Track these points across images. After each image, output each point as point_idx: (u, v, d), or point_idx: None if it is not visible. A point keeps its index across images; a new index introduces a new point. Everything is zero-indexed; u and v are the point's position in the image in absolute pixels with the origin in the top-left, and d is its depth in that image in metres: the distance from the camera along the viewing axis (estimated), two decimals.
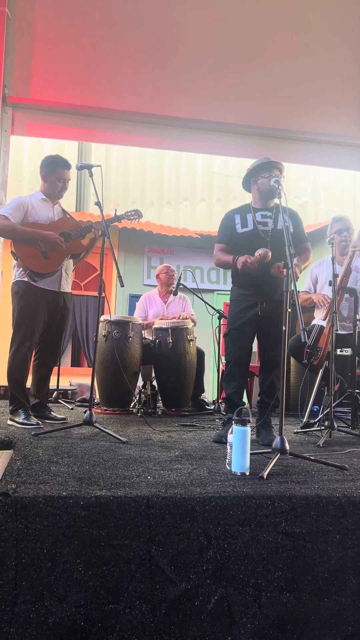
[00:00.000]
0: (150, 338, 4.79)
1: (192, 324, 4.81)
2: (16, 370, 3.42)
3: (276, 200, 3.30)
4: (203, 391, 5.14)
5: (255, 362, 4.50)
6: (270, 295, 3.19)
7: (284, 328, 2.51)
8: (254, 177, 3.35)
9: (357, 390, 3.72)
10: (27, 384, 3.52)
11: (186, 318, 4.89)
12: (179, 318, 4.89)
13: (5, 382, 3.58)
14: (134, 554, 1.68)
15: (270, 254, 3.09)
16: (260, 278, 3.18)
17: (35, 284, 3.44)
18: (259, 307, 3.21)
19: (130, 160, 8.91)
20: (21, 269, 3.46)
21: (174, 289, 4.91)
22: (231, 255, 3.27)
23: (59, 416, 3.67)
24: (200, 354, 4.90)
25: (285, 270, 2.88)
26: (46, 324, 3.55)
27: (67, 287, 3.66)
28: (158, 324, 4.76)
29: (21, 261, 3.42)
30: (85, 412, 3.05)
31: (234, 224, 3.34)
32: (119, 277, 3.12)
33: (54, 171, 3.60)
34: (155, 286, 5.52)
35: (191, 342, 4.67)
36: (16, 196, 3.69)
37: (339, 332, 3.62)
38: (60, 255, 3.51)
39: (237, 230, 3.32)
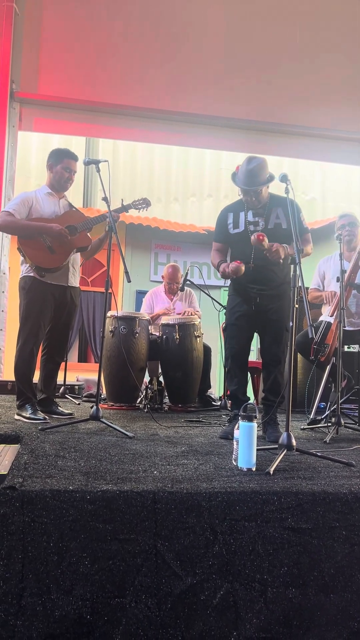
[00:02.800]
0: (157, 334, 4.79)
1: (199, 320, 4.80)
2: (23, 365, 3.43)
3: (271, 191, 3.27)
4: (209, 387, 5.14)
5: (259, 358, 4.49)
6: (262, 290, 3.19)
7: (291, 324, 2.50)
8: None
9: None
10: (34, 379, 3.53)
11: (192, 314, 4.89)
12: (184, 314, 4.89)
13: (13, 377, 3.59)
14: (140, 548, 1.68)
15: (243, 268, 3.09)
16: (250, 277, 3.19)
17: (42, 279, 3.44)
18: (253, 302, 3.21)
19: (138, 156, 8.91)
20: (27, 265, 3.47)
21: (180, 285, 4.91)
22: (219, 259, 3.30)
23: (66, 411, 3.68)
24: (206, 350, 4.90)
25: (264, 238, 2.90)
26: (53, 319, 3.55)
27: (74, 281, 3.65)
28: (165, 319, 4.76)
29: (27, 257, 3.43)
30: (92, 407, 3.06)
31: (227, 223, 3.33)
32: (126, 272, 3.12)
33: (61, 160, 3.59)
34: (161, 282, 5.52)
35: (198, 338, 4.66)
36: (22, 191, 3.69)
37: (347, 328, 3.60)
38: (66, 249, 3.49)
39: (229, 231, 3.31)
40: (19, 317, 3.51)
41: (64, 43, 5.60)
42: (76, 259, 3.66)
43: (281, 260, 3.06)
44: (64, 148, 3.73)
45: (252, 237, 3.01)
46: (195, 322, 4.69)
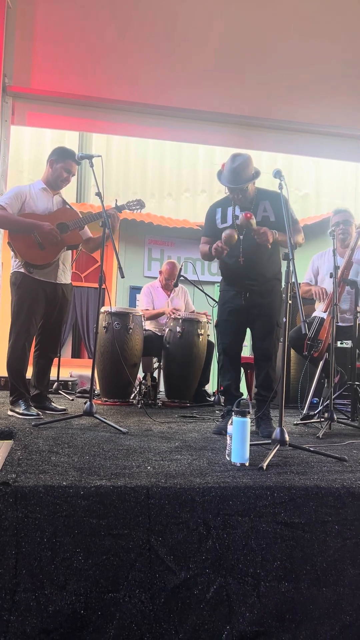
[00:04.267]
0: (156, 330, 4.81)
1: (206, 319, 4.82)
2: (15, 361, 3.42)
3: (260, 185, 3.27)
4: (207, 382, 5.17)
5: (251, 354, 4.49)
6: (251, 284, 3.19)
7: (284, 320, 2.50)
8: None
9: (357, 383, 3.72)
10: (27, 374, 3.52)
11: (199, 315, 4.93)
12: (192, 313, 4.95)
13: (5, 373, 3.59)
14: (134, 543, 1.68)
15: (236, 234, 3.08)
16: (239, 268, 3.20)
17: (30, 275, 3.44)
18: (242, 297, 3.21)
19: (131, 151, 8.87)
20: (17, 260, 3.45)
21: (175, 282, 4.93)
22: (208, 247, 3.28)
23: (60, 407, 3.68)
24: (210, 346, 4.91)
25: (252, 217, 2.91)
26: (45, 315, 3.54)
27: (64, 278, 3.64)
28: (178, 315, 4.75)
29: (16, 252, 3.41)
30: (85, 403, 3.06)
31: (215, 218, 3.34)
32: (120, 268, 3.11)
33: (64, 160, 3.57)
34: (155, 278, 5.51)
35: (201, 336, 4.68)
36: (16, 185, 3.67)
37: (340, 324, 3.62)
38: (56, 246, 3.48)
39: (217, 225, 3.31)
40: (10, 313, 3.50)
41: (57, 37, 5.56)
42: (67, 256, 3.65)
43: (269, 245, 3.05)
44: (70, 149, 3.70)
45: (240, 216, 3.01)
46: (202, 321, 4.71)
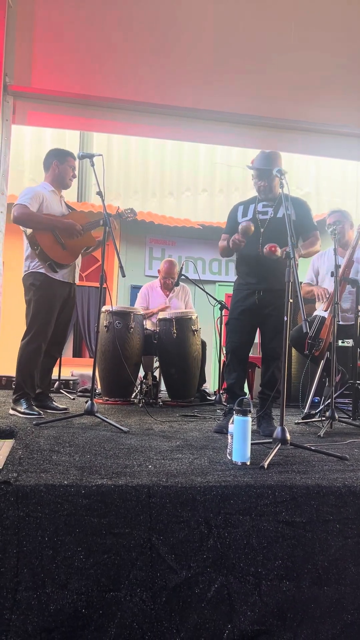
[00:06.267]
0: (152, 329, 4.79)
1: (196, 315, 4.81)
2: (28, 361, 3.42)
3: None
4: (205, 382, 5.15)
5: (257, 354, 4.49)
6: (267, 283, 3.19)
7: (285, 319, 2.50)
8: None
9: (358, 381, 3.72)
10: (36, 376, 3.52)
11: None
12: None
13: (6, 372, 3.59)
14: (135, 542, 1.68)
15: (252, 226, 3.12)
16: (257, 266, 3.20)
17: (52, 275, 3.46)
18: (256, 296, 3.21)
19: (132, 150, 8.87)
20: (37, 259, 3.45)
21: (175, 281, 4.92)
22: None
23: (61, 406, 3.68)
24: (202, 345, 4.90)
25: (277, 249, 2.90)
26: (56, 316, 3.56)
27: (77, 279, 3.72)
28: (162, 315, 4.76)
29: (43, 251, 3.42)
30: (86, 402, 3.06)
31: (237, 215, 3.39)
32: (121, 267, 3.12)
33: (66, 159, 3.65)
34: (156, 277, 5.51)
35: (195, 332, 4.66)
36: (26, 187, 3.70)
37: (341, 323, 3.61)
38: (76, 246, 3.56)
39: (238, 220, 3.34)
40: (25, 312, 3.49)
41: (57, 36, 5.55)
42: (79, 258, 3.69)
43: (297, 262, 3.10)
44: (64, 148, 3.78)
45: (265, 249, 3.02)
46: (192, 317, 4.69)
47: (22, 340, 3.45)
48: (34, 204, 3.44)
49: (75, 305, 3.84)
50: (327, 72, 5.94)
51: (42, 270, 3.45)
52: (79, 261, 3.72)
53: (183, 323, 4.62)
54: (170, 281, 5.13)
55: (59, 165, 3.62)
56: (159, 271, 5.30)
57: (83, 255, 3.81)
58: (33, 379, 3.47)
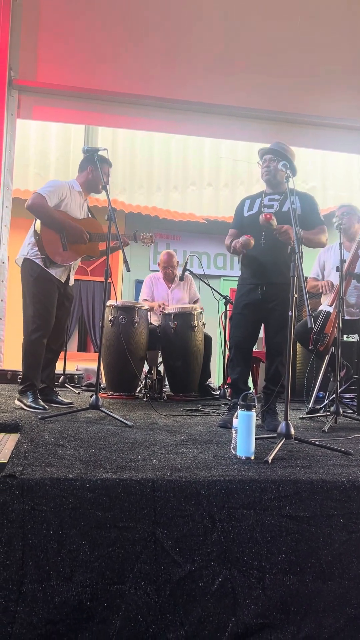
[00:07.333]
0: (156, 324, 4.80)
1: (200, 310, 4.80)
2: (32, 351, 3.43)
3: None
4: (209, 376, 5.15)
5: (261, 348, 4.49)
6: (270, 277, 3.18)
7: (290, 314, 2.50)
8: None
9: None
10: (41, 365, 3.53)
11: (194, 303, 4.91)
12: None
13: (11, 366, 3.60)
14: (139, 535, 1.69)
15: (252, 241, 3.14)
16: (260, 260, 3.20)
17: (46, 269, 3.46)
18: (260, 290, 3.20)
19: (137, 144, 8.84)
20: (36, 248, 3.46)
21: (179, 274, 4.92)
22: (230, 241, 3.34)
23: (66, 400, 3.69)
24: (207, 340, 4.90)
25: (272, 217, 2.95)
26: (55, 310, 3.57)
27: (72, 281, 3.73)
28: (167, 309, 4.76)
29: (41, 243, 3.42)
30: (91, 396, 3.07)
31: (243, 209, 3.39)
32: (125, 262, 3.11)
33: (103, 166, 3.51)
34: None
35: (196, 328, 4.66)
36: (54, 180, 3.68)
37: (346, 318, 3.60)
38: (78, 252, 3.56)
39: (244, 214, 3.35)
40: (22, 300, 3.50)
41: (62, 30, 5.54)
42: (77, 261, 3.70)
43: (292, 242, 3.06)
44: (102, 154, 3.56)
45: (260, 217, 3.04)
46: (194, 312, 4.68)
47: (24, 332, 3.46)
48: (52, 198, 3.43)
49: (80, 299, 3.85)
50: (333, 67, 5.92)
51: (38, 261, 3.45)
52: (76, 265, 3.71)
53: (183, 318, 4.62)
54: (170, 270, 5.14)
55: (94, 172, 3.57)
56: (158, 264, 5.32)
57: (83, 260, 3.82)
58: (38, 369, 3.48)
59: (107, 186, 3.27)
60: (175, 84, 5.72)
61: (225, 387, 4.84)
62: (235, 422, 2.24)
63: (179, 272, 5.05)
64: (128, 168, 8.73)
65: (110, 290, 3.25)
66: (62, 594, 1.60)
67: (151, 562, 1.68)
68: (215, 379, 6.55)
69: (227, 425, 3.01)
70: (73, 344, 8.16)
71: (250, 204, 3.37)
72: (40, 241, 3.41)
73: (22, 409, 3.31)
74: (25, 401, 3.36)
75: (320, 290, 4.03)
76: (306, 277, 4.22)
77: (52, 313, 3.49)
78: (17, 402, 3.42)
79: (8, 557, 1.61)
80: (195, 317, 4.66)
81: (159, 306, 4.89)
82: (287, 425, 2.35)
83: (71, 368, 5.63)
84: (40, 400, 3.43)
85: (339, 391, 3.38)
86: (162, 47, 5.70)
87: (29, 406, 3.31)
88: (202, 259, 8.35)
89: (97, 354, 3.22)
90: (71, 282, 3.71)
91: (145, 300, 5.12)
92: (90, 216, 3.74)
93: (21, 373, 3.52)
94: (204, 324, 4.81)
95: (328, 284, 3.96)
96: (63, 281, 3.59)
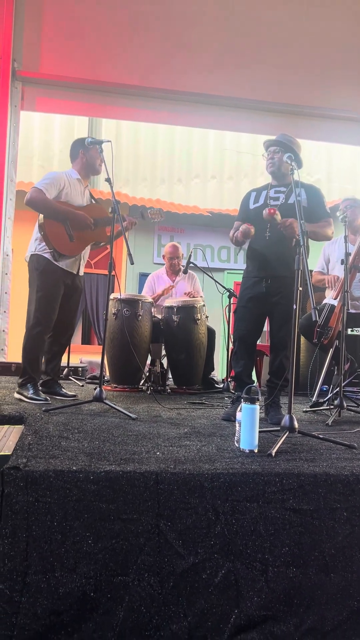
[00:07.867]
0: (160, 316, 4.79)
1: (202, 303, 4.79)
2: (32, 345, 3.43)
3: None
4: (213, 369, 5.15)
5: (265, 342, 4.48)
6: (274, 271, 3.16)
7: (294, 307, 2.49)
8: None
9: None
10: (41, 360, 3.53)
11: (194, 296, 4.90)
12: (188, 294, 4.90)
13: (15, 359, 3.60)
14: (143, 527, 1.70)
15: (253, 230, 3.13)
16: (265, 253, 3.19)
17: (56, 263, 3.45)
18: (264, 283, 3.19)
19: (141, 136, 8.81)
20: (44, 243, 3.45)
21: (183, 267, 4.90)
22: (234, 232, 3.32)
23: (70, 393, 3.70)
24: (210, 333, 4.90)
25: (276, 212, 2.95)
26: (62, 303, 3.56)
27: (82, 271, 3.71)
28: (167, 302, 4.75)
29: (47, 238, 3.41)
30: (95, 389, 3.07)
31: (249, 201, 3.37)
32: (129, 255, 3.11)
33: (93, 146, 3.52)
34: (164, 264, 5.51)
35: (199, 321, 4.65)
36: (51, 172, 3.66)
37: (350, 311, 3.59)
38: (85, 240, 3.54)
39: (249, 206, 3.33)
40: (28, 294, 3.50)
41: (66, 21, 5.51)
42: (87, 250, 3.68)
43: (297, 236, 3.04)
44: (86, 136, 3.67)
45: (264, 212, 3.03)
46: (197, 305, 4.67)
47: (26, 325, 3.47)
48: (51, 190, 3.41)
49: (84, 292, 3.84)
50: (338, 58, 5.87)
51: (47, 255, 3.45)
52: (86, 254, 3.70)
53: (186, 311, 4.61)
54: (176, 261, 5.13)
55: (86, 153, 3.57)
56: (163, 256, 5.31)
57: (92, 249, 3.79)
58: (38, 363, 3.49)
59: (111, 178, 3.24)
60: (179, 75, 5.68)
61: (229, 380, 4.84)
62: (238, 415, 2.24)
63: (183, 264, 5.04)
64: (132, 160, 8.71)
65: (114, 283, 3.24)
66: (66, 585, 1.61)
67: (155, 554, 1.69)
68: (219, 372, 6.55)
69: (230, 418, 3.01)
70: (77, 336, 8.18)
71: (255, 196, 3.35)
72: (46, 235, 3.41)
73: (23, 401, 3.32)
74: (25, 394, 3.37)
75: (327, 285, 4.02)
76: (311, 271, 4.21)
77: (54, 308, 3.48)
78: (16, 395, 3.42)
79: (12, 548, 1.62)
80: (198, 310, 4.65)
81: (167, 290, 4.89)
82: (291, 419, 2.35)
83: (75, 361, 5.64)
84: (41, 392, 3.43)
85: (342, 384, 3.37)
86: (166, 38, 5.66)
87: (31, 398, 3.32)
88: (206, 252, 8.32)
89: (101, 346, 3.23)
90: (81, 272, 3.70)
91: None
92: (93, 202, 3.72)
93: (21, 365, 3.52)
94: (207, 317, 4.80)
95: (334, 278, 3.95)
96: (75, 272, 3.58)
